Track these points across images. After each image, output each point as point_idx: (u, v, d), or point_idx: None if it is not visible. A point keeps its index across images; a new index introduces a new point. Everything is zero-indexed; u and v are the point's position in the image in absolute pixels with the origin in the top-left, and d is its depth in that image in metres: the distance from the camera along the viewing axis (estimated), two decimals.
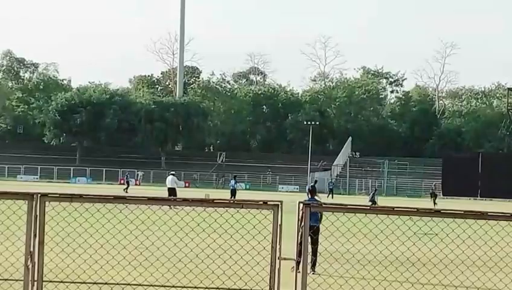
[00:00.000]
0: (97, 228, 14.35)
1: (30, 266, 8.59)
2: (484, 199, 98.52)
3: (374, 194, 70.88)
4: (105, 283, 13.75)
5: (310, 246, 13.84)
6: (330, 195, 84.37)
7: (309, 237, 11.26)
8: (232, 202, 12.32)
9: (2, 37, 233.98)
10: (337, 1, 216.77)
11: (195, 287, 13.51)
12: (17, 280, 9.49)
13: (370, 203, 64.54)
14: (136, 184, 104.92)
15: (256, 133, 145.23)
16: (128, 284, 14.14)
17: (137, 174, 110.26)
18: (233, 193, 63.17)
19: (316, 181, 74.95)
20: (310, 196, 22.63)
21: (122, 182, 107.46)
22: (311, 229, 12.93)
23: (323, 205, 12.56)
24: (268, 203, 9.82)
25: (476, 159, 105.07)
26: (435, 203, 72.06)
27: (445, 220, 11.53)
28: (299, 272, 9.89)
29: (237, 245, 13.40)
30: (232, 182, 67.02)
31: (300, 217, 17.30)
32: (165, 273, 14.08)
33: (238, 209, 10.13)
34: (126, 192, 68.52)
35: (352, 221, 11.78)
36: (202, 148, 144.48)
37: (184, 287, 13.28)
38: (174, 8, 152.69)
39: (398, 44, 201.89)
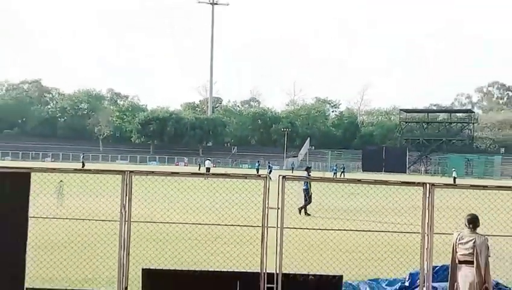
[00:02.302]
0: (171, 192, 12.76)
1: (123, 212, 8.40)
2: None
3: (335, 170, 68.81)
4: (183, 223, 12.70)
5: None
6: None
7: None
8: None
9: (109, 79, 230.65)
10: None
11: None
12: (116, 221, 8.67)
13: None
14: (184, 165, 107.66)
15: (254, 136, 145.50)
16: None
17: (184, 159, 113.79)
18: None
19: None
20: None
21: (177, 164, 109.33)
22: None
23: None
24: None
25: (381, 150, 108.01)
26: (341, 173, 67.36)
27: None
28: None
29: None
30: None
31: None
32: None
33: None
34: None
35: None
36: (222, 144, 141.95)
37: None
38: (206, 69, 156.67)
39: (337, 83, 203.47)
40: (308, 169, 23.70)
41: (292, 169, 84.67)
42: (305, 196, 21.29)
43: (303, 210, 20.84)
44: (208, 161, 57.64)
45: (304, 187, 21.50)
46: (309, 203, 21.18)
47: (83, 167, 55.11)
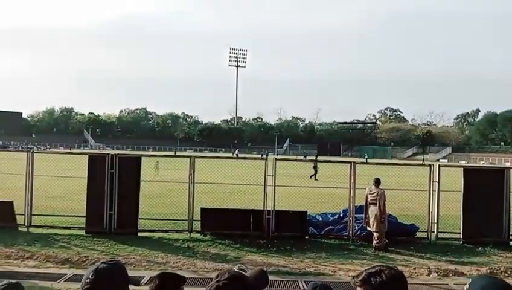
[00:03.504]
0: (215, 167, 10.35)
1: (190, 177, 7.92)
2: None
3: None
4: (219, 183, 10.88)
5: None
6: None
7: None
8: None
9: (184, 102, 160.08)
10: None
11: None
12: (186, 182, 7.97)
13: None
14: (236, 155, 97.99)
15: (259, 137, 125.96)
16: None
17: (237, 152, 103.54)
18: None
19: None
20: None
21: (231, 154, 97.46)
22: None
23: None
24: None
25: (327, 144, 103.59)
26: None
27: None
28: None
29: None
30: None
31: None
32: None
33: None
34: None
35: None
36: (243, 142, 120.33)
37: None
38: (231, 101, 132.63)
39: (302, 106, 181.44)
40: (316, 156, 24.37)
41: (277, 154, 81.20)
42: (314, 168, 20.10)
43: (313, 176, 19.65)
44: (237, 150, 61.23)
45: (313, 165, 20.30)
46: (315, 173, 20.23)
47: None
